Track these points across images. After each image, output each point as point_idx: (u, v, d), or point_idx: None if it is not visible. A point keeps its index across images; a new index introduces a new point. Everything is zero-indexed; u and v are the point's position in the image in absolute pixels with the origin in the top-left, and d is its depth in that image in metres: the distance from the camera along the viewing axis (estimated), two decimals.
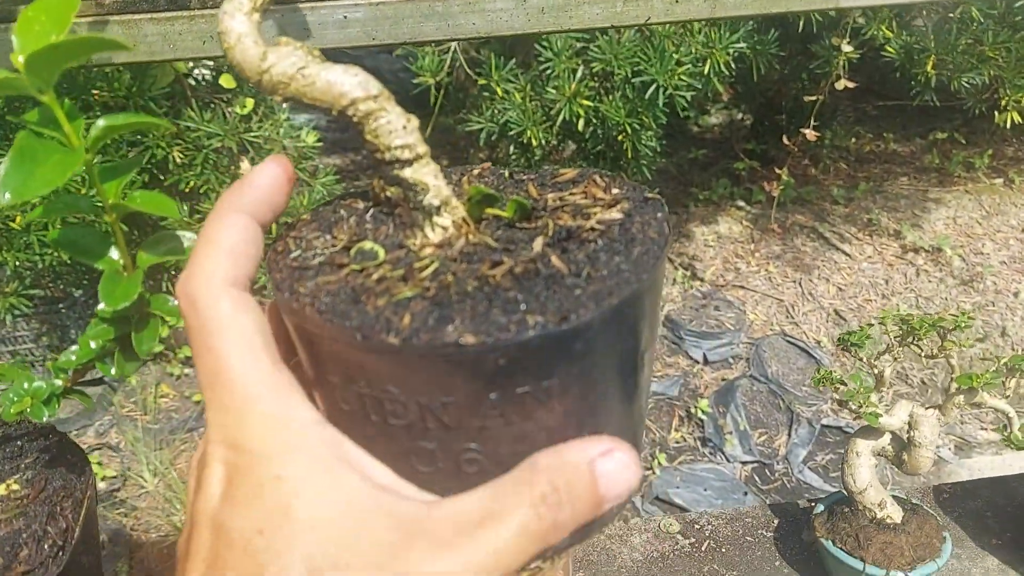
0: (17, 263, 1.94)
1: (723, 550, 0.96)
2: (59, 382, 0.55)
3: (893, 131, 3.11)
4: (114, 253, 0.52)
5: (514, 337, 0.25)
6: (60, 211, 0.47)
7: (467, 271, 0.28)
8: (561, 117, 2.09)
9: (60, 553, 0.58)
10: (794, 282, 2.54)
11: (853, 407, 0.80)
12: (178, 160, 2.01)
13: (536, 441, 0.27)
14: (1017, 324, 2.36)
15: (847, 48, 2.13)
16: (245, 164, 2.21)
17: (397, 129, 0.31)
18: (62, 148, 0.46)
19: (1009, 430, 0.79)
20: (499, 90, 2.18)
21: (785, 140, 2.34)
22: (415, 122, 0.32)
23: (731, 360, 2.30)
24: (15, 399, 0.52)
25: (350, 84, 0.30)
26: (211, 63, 1.67)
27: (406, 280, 0.28)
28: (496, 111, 2.19)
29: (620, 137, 2.20)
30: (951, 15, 2.06)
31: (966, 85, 2.24)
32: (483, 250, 0.30)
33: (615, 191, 0.34)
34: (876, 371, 0.83)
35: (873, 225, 2.76)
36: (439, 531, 0.25)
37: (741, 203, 2.85)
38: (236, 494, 0.25)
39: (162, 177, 2.03)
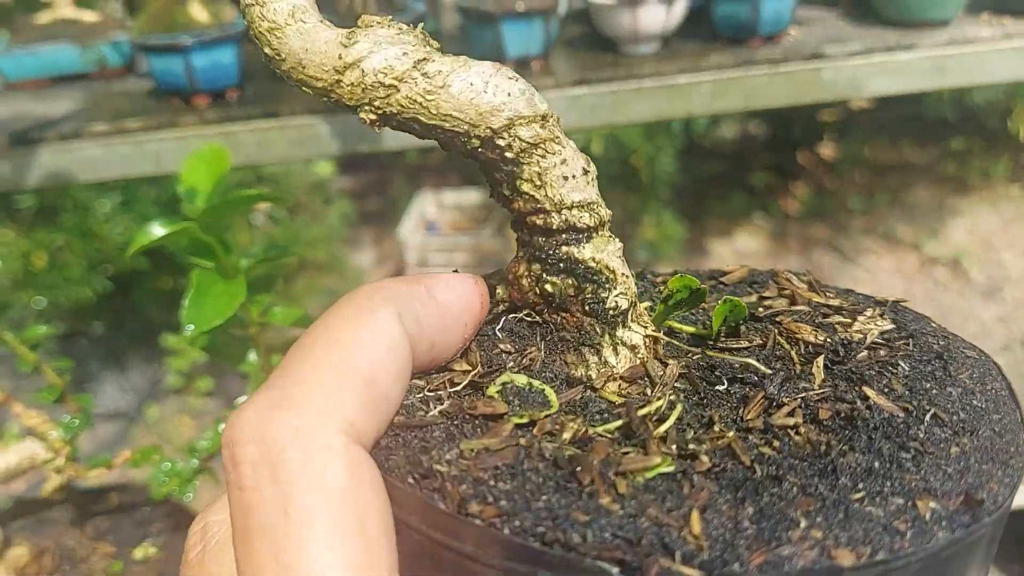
0: (44, 300, 2.07)
1: None
2: (196, 462, 0.66)
3: (909, 140, 3.23)
4: (252, 356, 0.64)
5: (915, 547, 0.15)
6: (219, 331, 0.59)
7: (732, 421, 0.19)
8: (576, 142, 2.21)
9: None
10: None
11: None
12: None
13: None
14: None
15: None
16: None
17: (576, 175, 0.21)
18: (223, 279, 0.58)
19: None
20: None
21: (800, 159, 2.46)
22: (594, 168, 0.23)
23: None
24: (164, 481, 0.63)
25: (508, 93, 0.20)
26: None
27: (637, 442, 0.17)
28: None
29: (635, 162, 2.31)
30: None
31: (979, 102, 2.37)
32: (708, 386, 0.20)
33: (830, 294, 0.26)
34: None
35: (891, 237, 2.88)
36: None
37: (758, 217, 2.97)
38: None
39: (175, 206, 2.16)
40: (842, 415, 0.19)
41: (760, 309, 0.25)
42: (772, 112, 2.80)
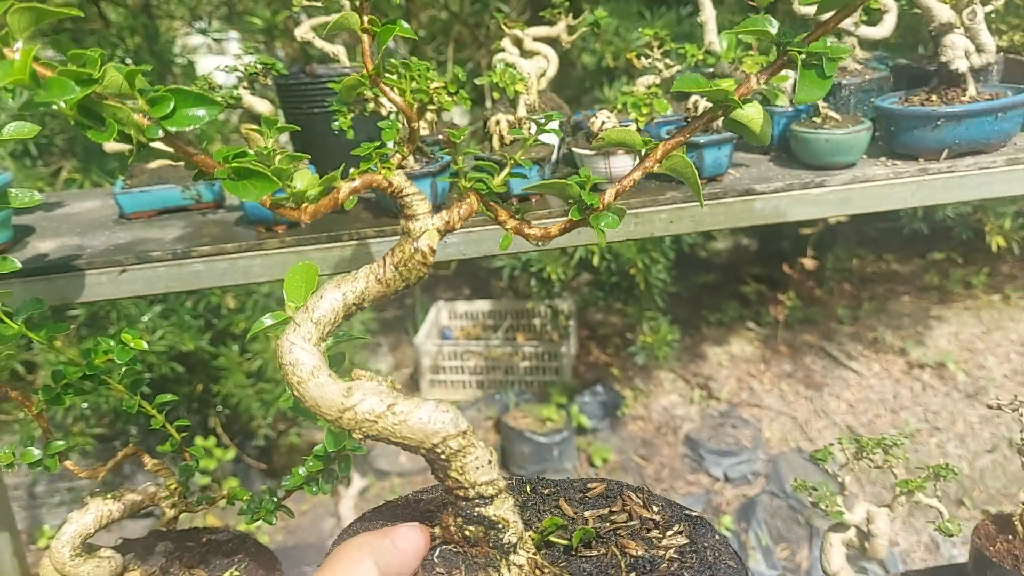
0: (85, 404, 2.31)
1: None
2: (275, 499, 0.91)
3: (893, 252, 3.54)
4: None
5: None
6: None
7: None
8: (577, 256, 2.50)
9: None
10: (806, 399, 2.90)
11: (823, 508, 1.14)
12: (231, 306, 2.42)
13: None
14: None
15: None
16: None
17: (484, 465, 0.33)
18: None
19: (940, 522, 1.13)
20: None
21: (786, 269, 2.76)
22: (495, 455, 0.34)
23: (750, 477, 2.63)
24: (253, 513, 0.88)
25: (442, 422, 0.32)
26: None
27: None
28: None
29: (632, 272, 2.58)
30: None
31: (951, 216, 2.67)
32: None
33: (656, 508, 0.38)
34: (839, 480, 1.18)
35: (879, 343, 3.14)
36: None
37: (751, 324, 3.24)
38: None
39: (215, 321, 2.44)
40: None
41: (607, 523, 0.38)
42: (758, 229, 3.11)
